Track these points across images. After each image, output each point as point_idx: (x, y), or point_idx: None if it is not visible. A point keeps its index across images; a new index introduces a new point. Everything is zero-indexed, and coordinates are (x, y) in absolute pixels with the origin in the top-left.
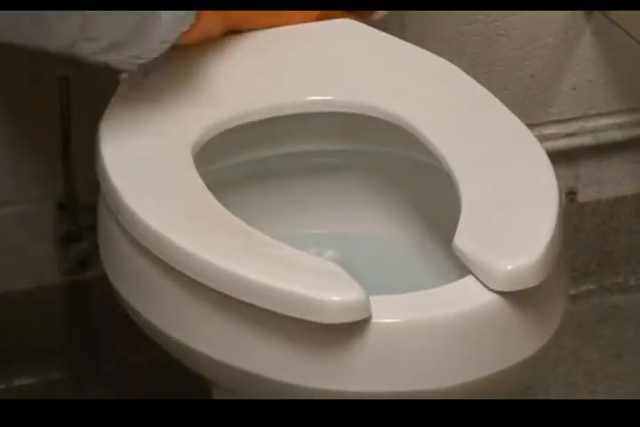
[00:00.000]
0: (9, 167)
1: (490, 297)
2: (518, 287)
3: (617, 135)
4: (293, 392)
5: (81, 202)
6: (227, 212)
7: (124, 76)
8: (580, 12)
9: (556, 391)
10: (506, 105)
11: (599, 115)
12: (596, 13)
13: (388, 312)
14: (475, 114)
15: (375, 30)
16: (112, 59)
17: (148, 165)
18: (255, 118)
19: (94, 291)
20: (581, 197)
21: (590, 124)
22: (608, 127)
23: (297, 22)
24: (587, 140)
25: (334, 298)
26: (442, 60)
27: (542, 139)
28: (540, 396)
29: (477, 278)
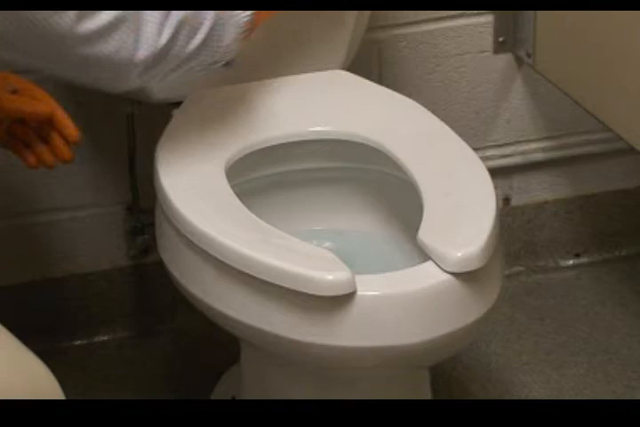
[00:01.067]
0: (89, 181)
1: (444, 277)
2: (465, 270)
3: (540, 156)
4: (298, 346)
5: (143, 206)
6: (249, 212)
7: (175, 111)
8: (514, 65)
9: (495, 345)
10: (457, 134)
11: (527, 141)
12: (525, 65)
13: (369, 287)
14: (434, 140)
15: (360, 78)
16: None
17: (191, 179)
18: (270, 144)
19: (153, 271)
20: (514, 202)
21: (520, 148)
22: (533, 150)
23: None
24: (518, 159)
25: (328, 277)
26: (410, 100)
27: (484, 159)
28: (482, 348)
29: (435, 263)
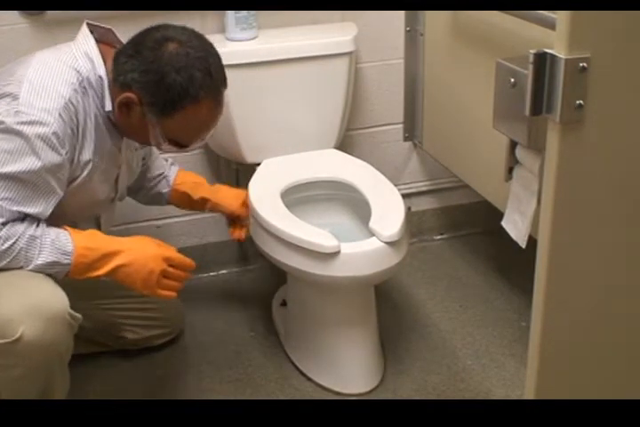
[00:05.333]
0: None
1: (380, 244)
2: (390, 241)
3: (424, 188)
4: (310, 275)
5: None
6: (290, 213)
7: (258, 167)
8: (412, 147)
9: (404, 275)
10: (386, 178)
11: (418, 181)
12: (418, 147)
13: (347, 248)
14: (375, 181)
15: (342, 153)
16: None
17: (264, 198)
18: (298, 183)
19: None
20: (413, 209)
21: (415, 184)
22: (422, 186)
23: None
24: (413, 190)
25: (327, 243)
26: (365, 163)
27: (399, 189)
28: (398, 277)
29: (377, 238)
